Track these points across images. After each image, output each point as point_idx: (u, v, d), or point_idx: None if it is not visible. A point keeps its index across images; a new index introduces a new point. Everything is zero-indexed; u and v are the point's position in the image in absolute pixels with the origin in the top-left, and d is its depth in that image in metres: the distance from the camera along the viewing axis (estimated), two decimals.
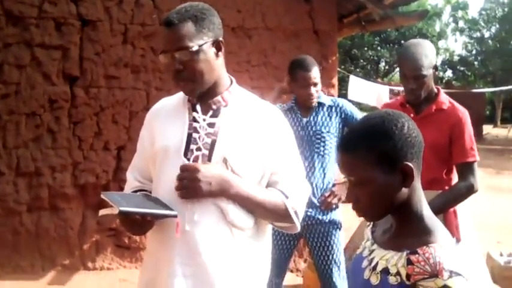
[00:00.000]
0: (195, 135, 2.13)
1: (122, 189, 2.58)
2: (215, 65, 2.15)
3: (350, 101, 5.13)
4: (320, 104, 3.77)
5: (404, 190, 1.53)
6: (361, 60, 33.33)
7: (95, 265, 5.40)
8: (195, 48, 2.05)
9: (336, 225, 3.74)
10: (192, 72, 2.09)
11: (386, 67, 35.65)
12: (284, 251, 3.76)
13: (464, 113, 3.18)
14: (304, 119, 3.74)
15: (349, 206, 1.67)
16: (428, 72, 3.08)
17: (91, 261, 5.39)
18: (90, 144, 5.30)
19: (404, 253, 1.47)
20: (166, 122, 2.23)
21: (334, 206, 3.69)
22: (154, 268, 2.13)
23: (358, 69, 31.20)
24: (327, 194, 3.66)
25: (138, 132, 2.38)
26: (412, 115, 3.14)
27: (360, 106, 11.75)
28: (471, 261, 4.42)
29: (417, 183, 1.56)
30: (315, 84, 3.67)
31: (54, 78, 5.16)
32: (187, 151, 2.12)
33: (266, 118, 2.20)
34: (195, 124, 2.15)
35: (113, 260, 5.46)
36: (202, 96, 2.16)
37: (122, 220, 2.04)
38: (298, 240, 3.89)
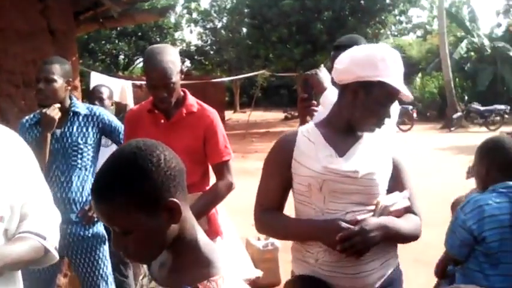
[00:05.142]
0: None
1: None
2: None
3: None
4: (75, 113, 3.49)
5: (175, 225, 1.40)
6: (100, 54, 32.74)
7: None
8: None
9: (100, 238, 3.53)
10: None
11: (126, 60, 35.51)
12: (46, 273, 3.35)
13: (214, 113, 3.22)
14: (58, 131, 3.43)
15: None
16: (176, 78, 3.04)
17: None
18: None
19: None
20: None
21: (95, 219, 3.47)
22: None
23: (97, 64, 30.56)
24: (87, 208, 3.43)
25: None
26: (162, 121, 3.12)
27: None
28: (234, 253, 4.60)
29: (187, 212, 1.43)
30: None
31: None
32: None
33: (2, 145, 1.96)
34: None
35: None
36: None
37: None
38: (61, 262, 3.63)
